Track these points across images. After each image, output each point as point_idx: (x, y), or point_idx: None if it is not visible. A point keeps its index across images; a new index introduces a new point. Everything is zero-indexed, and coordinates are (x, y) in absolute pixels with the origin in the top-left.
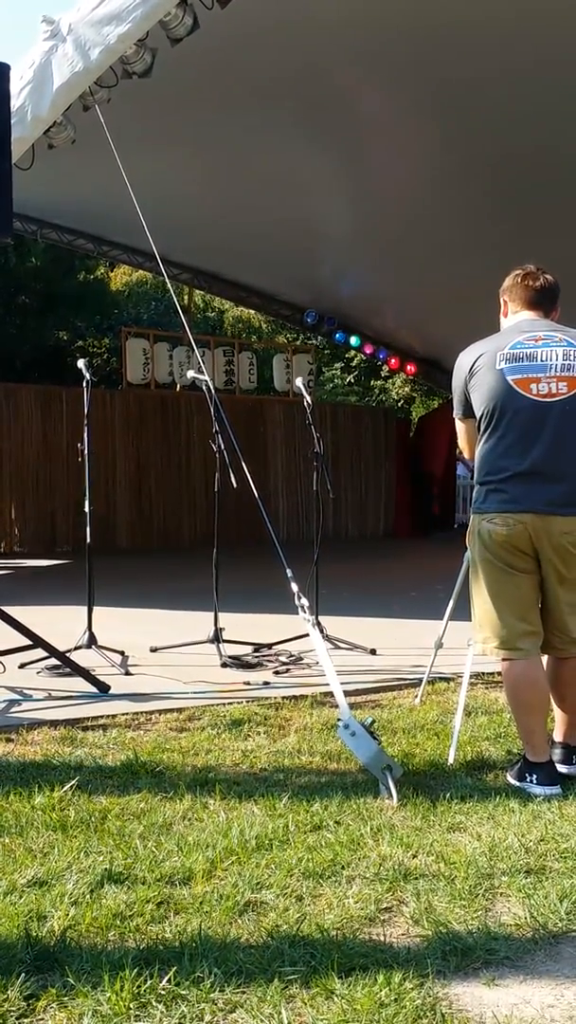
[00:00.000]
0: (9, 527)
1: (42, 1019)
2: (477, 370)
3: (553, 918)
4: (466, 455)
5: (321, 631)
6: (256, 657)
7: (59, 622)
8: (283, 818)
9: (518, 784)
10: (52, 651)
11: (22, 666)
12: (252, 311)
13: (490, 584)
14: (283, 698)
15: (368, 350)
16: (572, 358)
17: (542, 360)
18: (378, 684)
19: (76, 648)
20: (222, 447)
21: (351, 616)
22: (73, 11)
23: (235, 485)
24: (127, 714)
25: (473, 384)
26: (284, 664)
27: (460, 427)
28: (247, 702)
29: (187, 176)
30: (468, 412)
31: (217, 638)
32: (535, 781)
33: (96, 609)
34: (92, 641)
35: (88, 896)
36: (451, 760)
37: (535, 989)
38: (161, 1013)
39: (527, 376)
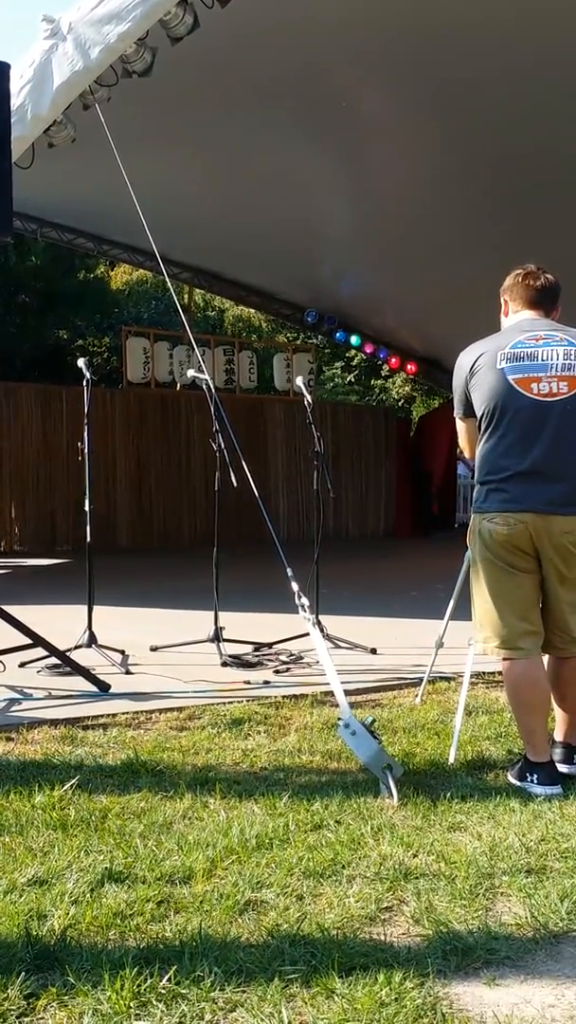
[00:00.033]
0: (9, 526)
1: (42, 1018)
2: (478, 369)
3: (554, 918)
4: (467, 454)
5: (321, 630)
6: (256, 656)
7: (59, 621)
8: (283, 817)
9: (519, 784)
10: (52, 650)
11: (22, 665)
12: (252, 310)
13: (491, 583)
14: (283, 697)
15: (368, 349)
16: (573, 357)
17: (543, 359)
18: (378, 683)
19: (76, 647)
20: (222, 446)
21: (351, 615)
22: (73, 10)
23: (235, 484)
24: (127, 713)
25: (474, 383)
26: (284, 663)
27: (461, 426)
28: (247, 701)
29: (187, 176)
30: (469, 411)
31: (217, 637)
32: (536, 781)
33: (96, 608)
34: (92, 640)
35: (88, 895)
36: (452, 759)
37: (536, 989)
38: (161, 1012)
39: (528, 375)
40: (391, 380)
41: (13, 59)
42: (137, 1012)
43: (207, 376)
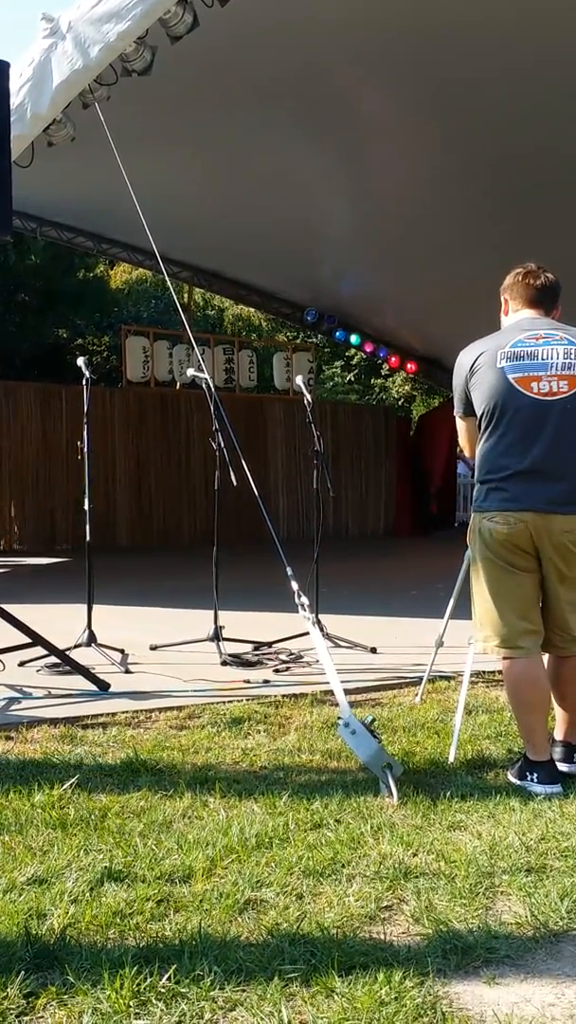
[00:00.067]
0: (9, 525)
1: (42, 1017)
2: (478, 368)
3: (554, 917)
4: (467, 453)
5: (321, 629)
6: (256, 655)
7: (59, 620)
8: (283, 816)
9: (519, 783)
10: (52, 649)
11: (22, 664)
12: (252, 309)
13: (491, 582)
14: (283, 696)
15: (368, 348)
16: (573, 356)
17: (543, 358)
18: (378, 682)
19: (76, 646)
20: (222, 445)
21: (351, 614)
22: (73, 9)
23: (235, 483)
24: (127, 712)
25: (474, 382)
26: (284, 662)
27: (461, 425)
28: (247, 700)
29: (187, 176)
30: (469, 410)
31: (217, 636)
32: (536, 780)
33: (96, 607)
34: (92, 639)
35: (88, 894)
36: (451, 758)
37: (536, 988)
38: (161, 1011)
39: (528, 374)
40: (391, 379)
41: (13, 58)
42: (137, 1011)
43: (207, 375)
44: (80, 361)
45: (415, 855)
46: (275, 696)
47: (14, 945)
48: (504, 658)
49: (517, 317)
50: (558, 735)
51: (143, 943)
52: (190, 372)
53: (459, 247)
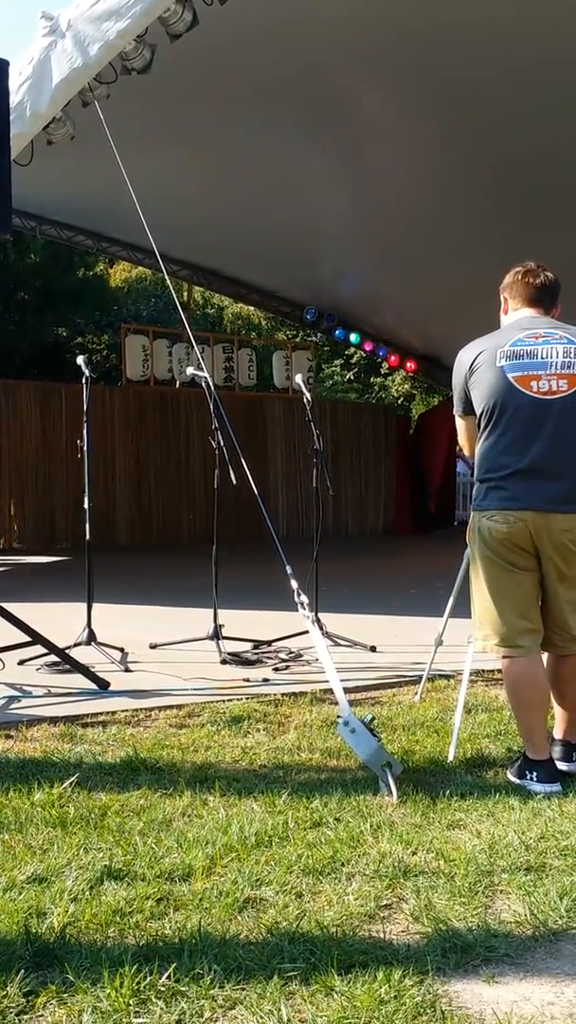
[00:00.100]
0: (8, 524)
1: (42, 1015)
2: (477, 367)
3: (553, 915)
4: (466, 452)
5: (321, 628)
6: (256, 654)
7: (58, 619)
8: (283, 815)
9: (518, 781)
10: (51, 648)
11: (21, 663)
12: (252, 308)
13: (490, 581)
14: (283, 695)
15: (368, 347)
16: (572, 355)
17: (542, 357)
18: (378, 681)
19: (75, 645)
20: (221, 444)
21: (351, 613)
22: (72, 7)
23: (235, 482)
24: (127, 711)
25: (473, 381)
26: (284, 661)
27: (460, 424)
28: (247, 699)
29: (187, 175)
30: (468, 409)
31: (217, 635)
32: (535, 779)
33: (95, 606)
34: (91, 638)
35: (88, 893)
36: (451, 757)
37: (535, 986)
38: (161, 1009)
39: (527, 373)
40: (390, 378)
41: (12, 57)
42: (136, 1009)
43: (206, 374)
44: (80, 360)
45: (415, 854)
46: (275, 695)
47: (14, 944)
48: (503, 657)
49: (517, 316)
50: (557, 734)
51: (143, 941)
52: (190, 371)
53: (459, 247)
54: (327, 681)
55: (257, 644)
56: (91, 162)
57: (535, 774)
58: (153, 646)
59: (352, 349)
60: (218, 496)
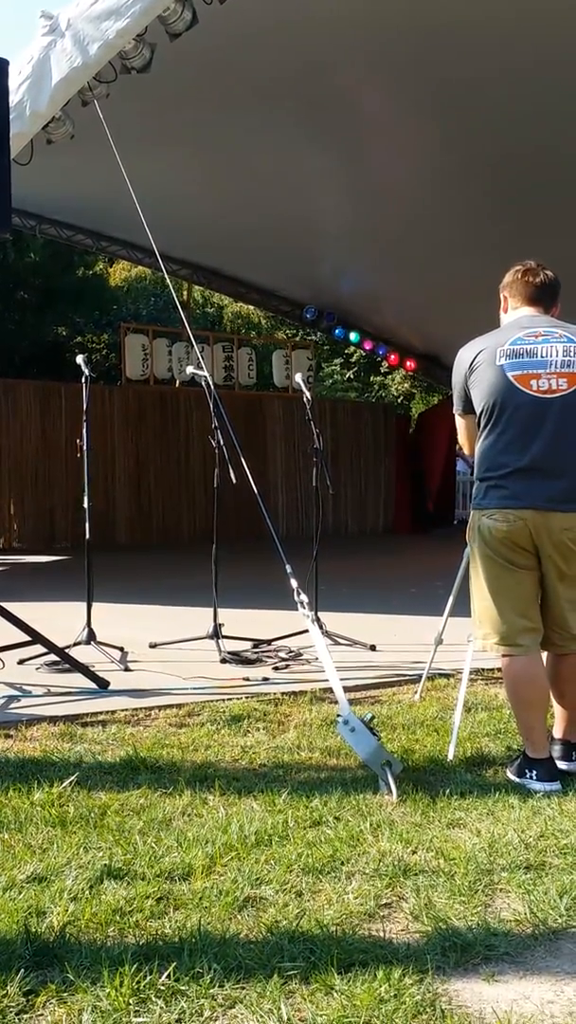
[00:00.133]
0: (8, 523)
1: (41, 1015)
2: (477, 366)
3: (553, 914)
4: (466, 451)
5: (320, 627)
6: (255, 653)
7: (58, 618)
8: (282, 814)
9: (518, 780)
10: (51, 647)
11: (21, 662)
12: (251, 307)
13: (490, 580)
14: (282, 694)
15: (367, 346)
16: (572, 354)
17: (542, 356)
18: (378, 680)
19: (75, 644)
20: (221, 443)
21: (350, 612)
22: (72, 6)
23: (234, 481)
24: (126, 710)
25: (473, 380)
26: (283, 660)
27: (460, 423)
28: (246, 698)
29: (187, 175)
30: (468, 408)
31: (216, 634)
32: (535, 777)
33: (95, 605)
34: (91, 637)
35: (87, 892)
36: (451, 756)
37: (535, 985)
38: (161, 1008)
39: (527, 372)
40: (390, 377)
41: (12, 56)
42: (136, 1009)
43: (206, 373)
44: (79, 359)
45: (414, 852)
46: (274, 694)
47: (14, 943)
48: (503, 656)
49: (516, 315)
50: (557, 733)
51: (143, 941)
52: (189, 370)
53: (459, 246)
54: (327, 680)
55: (257, 643)
56: (91, 161)
57: (535, 773)
58: (153, 645)
59: (352, 348)
60: (218, 495)
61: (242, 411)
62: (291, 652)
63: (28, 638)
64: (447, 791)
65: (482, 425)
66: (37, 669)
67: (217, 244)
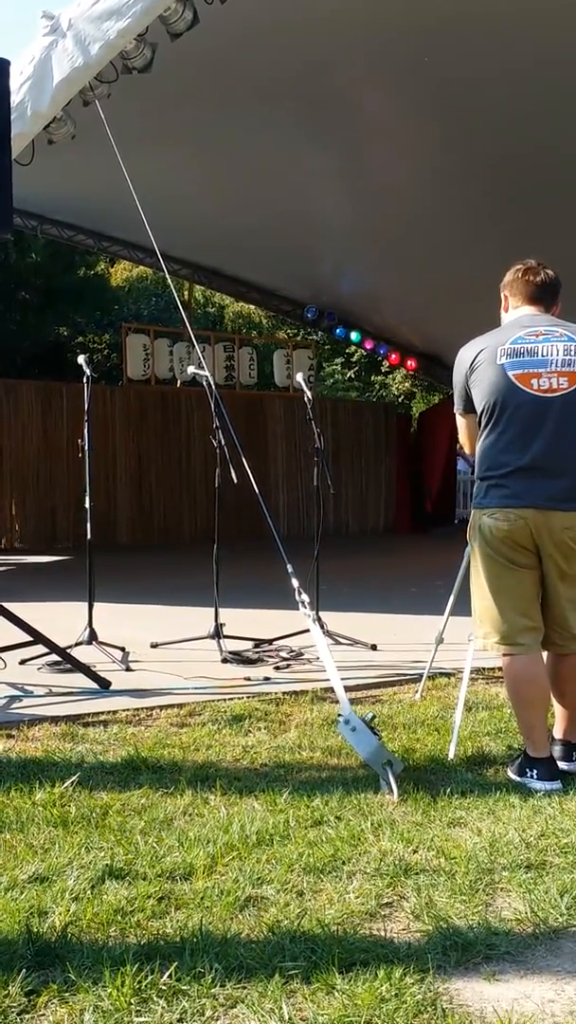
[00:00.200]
0: (9, 523)
1: (43, 1015)
2: (478, 365)
3: (554, 913)
4: (467, 450)
5: (321, 627)
6: (257, 653)
7: (60, 618)
8: (284, 813)
9: (519, 779)
10: (53, 647)
11: (23, 662)
12: (252, 307)
13: (491, 579)
14: (284, 693)
15: (368, 345)
16: (573, 353)
17: (543, 355)
18: (378, 679)
19: (77, 644)
20: (222, 443)
21: (351, 611)
22: (73, 6)
23: (235, 481)
24: (128, 710)
25: (474, 379)
26: (285, 660)
27: (461, 422)
28: (248, 697)
29: (187, 175)
30: (469, 407)
31: (218, 634)
32: (536, 776)
33: (97, 605)
34: (93, 637)
35: (89, 892)
36: (452, 755)
37: (536, 984)
38: (162, 1008)
39: (528, 371)
40: (391, 376)
41: (13, 56)
42: (138, 1009)
43: (207, 373)
44: (81, 359)
45: (415, 852)
46: (276, 693)
47: (15, 943)
48: (504, 655)
49: (517, 314)
50: (557, 733)
51: (144, 940)
52: (191, 370)
53: (459, 246)
54: (328, 679)
55: (258, 643)
56: (92, 161)
57: (535, 772)
58: (154, 645)
59: (353, 348)
60: (219, 495)
61: (243, 411)
62: (292, 652)
63: (30, 638)
64: (448, 790)
65: (483, 424)
66: (39, 669)
67: (217, 244)
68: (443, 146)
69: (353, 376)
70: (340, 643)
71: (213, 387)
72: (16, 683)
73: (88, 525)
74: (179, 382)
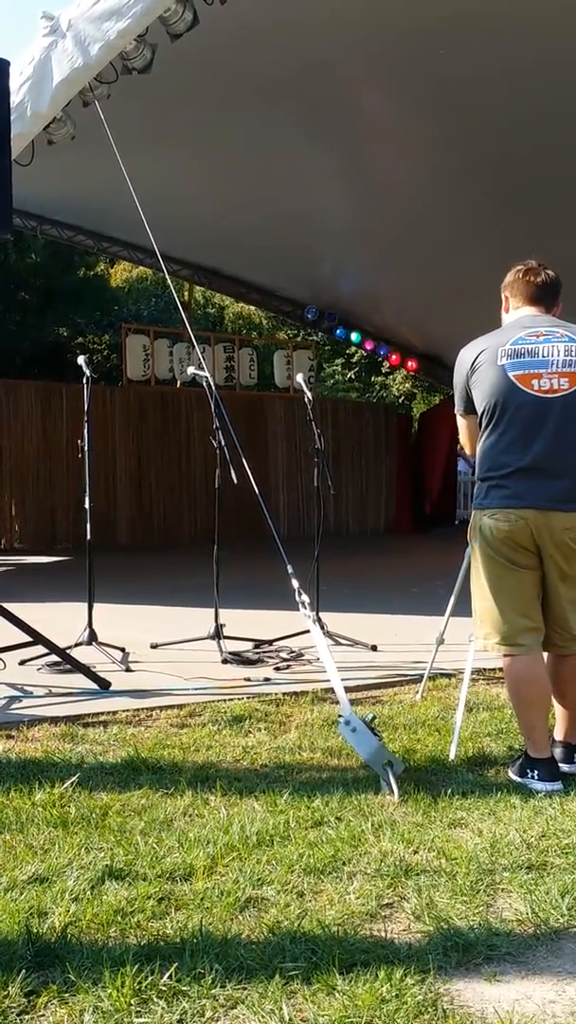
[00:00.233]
0: (9, 524)
1: (43, 1015)
2: (479, 366)
3: (555, 914)
4: (467, 451)
5: (322, 627)
6: (257, 653)
7: (59, 619)
8: (284, 814)
9: (519, 780)
10: (53, 648)
11: (23, 663)
12: (252, 307)
13: (492, 580)
14: (284, 694)
15: (368, 346)
16: (573, 354)
17: (543, 356)
18: (379, 680)
19: (77, 645)
20: (222, 443)
21: (352, 612)
22: (73, 7)
23: (235, 481)
24: (128, 710)
25: (475, 380)
26: (285, 660)
27: (461, 423)
28: (248, 698)
29: (187, 175)
30: (470, 408)
31: (218, 634)
32: (536, 777)
33: (96, 605)
34: (92, 638)
35: (89, 892)
36: (452, 756)
37: (536, 985)
38: (162, 1009)
39: (528, 372)
40: (391, 377)
41: (13, 57)
42: (138, 1009)
43: (207, 373)
44: (80, 359)
45: (416, 852)
46: (276, 694)
47: (15, 943)
48: (505, 655)
49: (518, 314)
50: (558, 735)
51: (144, 941)
52: (190, 370)
53: (459, 246)
54: (328, 680)
55: (258, 643)
56: (92, 162)
57: (536, 772)
58: (154, 646)
59: (353, 348)
60: (219, 496)
61: (243, 411)
62: (292, 652)
63: (29, 639)
64: (449, 791)
65: (483, 425)
66: (38, 670)
67: (217, 244)
68: (443, 146)
69: (353, 377)
70: (340, 644)
71: (213, 388)
72: (16, 683)
73: (88, 525)
74: (179, 383)
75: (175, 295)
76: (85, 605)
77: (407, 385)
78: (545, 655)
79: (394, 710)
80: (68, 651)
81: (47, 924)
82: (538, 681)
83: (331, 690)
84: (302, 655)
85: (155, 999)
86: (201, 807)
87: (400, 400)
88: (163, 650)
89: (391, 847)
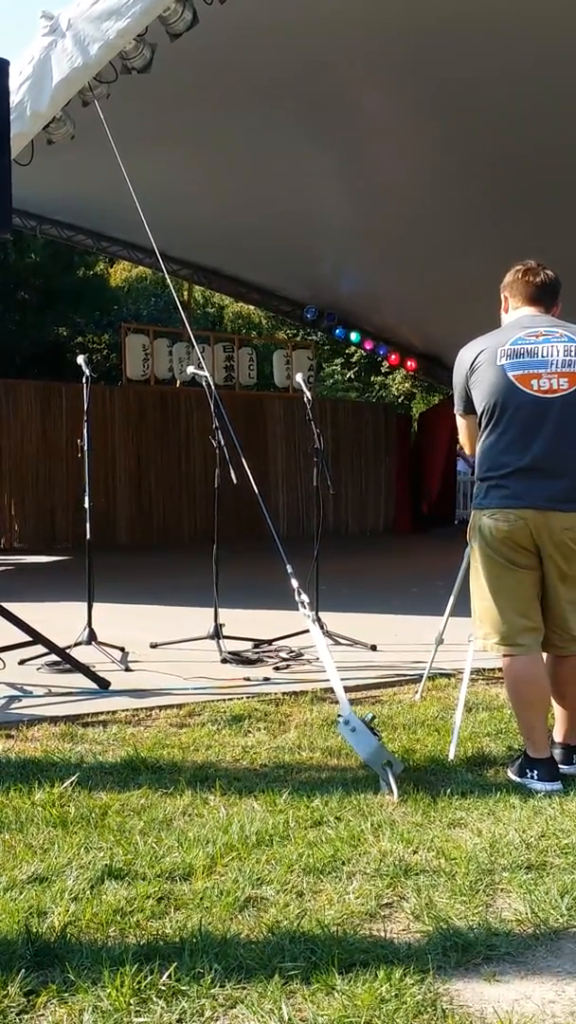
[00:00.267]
0: (9, 523)
1: (42, 1015)
2: (478, 366)
3: (554, 914)
4: (467, 451)
5: (321, 627)
6: (256, 653)
7: (59, 618)
8: (283, 814)
9: (519, 780)
10: (52, 647)
11: (22, 662)
12: (252, 307)
13: (491, 580)
14: (283, 694)
15: (368, 346)
16: (573, 354)
17: (543, 356)
18: (378, 680)
19: (76, 644)
20: (222, 443)
21: (351, 612)
22: (73, 6)
23: (235, 481)
24: (127, 710)
25: (474, 380)
26: (284, 660)
27: (461, 423)
28: (247, 698)
29: (187, 175)
30: (469, 408)
31: (217, 634)
32: (536, 777)
33: (96, 605)
34: (92, 637)
35: (88, 892)
36: (452, 756)
37: (536, 985)
38: (161, 1009)
39: (528, 372)
40: (391, 376)
41: (13, 56)
42: (137, 1009)
43: (207, 373)
44: (80, 359)
45: (415, 852)
46: (275, 694)
47: (15, 943)
48: (504, 655)
49: (517, 314)
50: (557, 737)
51: (143, 941)
52: (190, 370)
53: (459, 246)
54: (328, 680)
55: (258, 643)
56: (91, 162)
57: (536, 772)
58: (154, 645)
59: (352, 348)
60: (218, 495)
61: (243, 411)
62: (292, 652)
63: (29, 638)
64: (448, 791)
65: (483, 425)
66: (38, 669)
67: (217, 244)
68: (443, 146)
69: (353, 376)
70: (340, 643)
71: (212, 387)
72: (15, 683)
73: (87, 525)
74: (178, 382)
75: (175, 295)
76: (85, 605)
77: (406, 385)
78: (544, 656)
79: (393, 710)
80: (68, 651)
81: (46, 924)
82: (537, 681)
83: (330, 690)
84: (301, 655)
85: (154, 999)
86: (200, 807)
87: (399, 400)
88: (162, 650)
89: (390, 847)
